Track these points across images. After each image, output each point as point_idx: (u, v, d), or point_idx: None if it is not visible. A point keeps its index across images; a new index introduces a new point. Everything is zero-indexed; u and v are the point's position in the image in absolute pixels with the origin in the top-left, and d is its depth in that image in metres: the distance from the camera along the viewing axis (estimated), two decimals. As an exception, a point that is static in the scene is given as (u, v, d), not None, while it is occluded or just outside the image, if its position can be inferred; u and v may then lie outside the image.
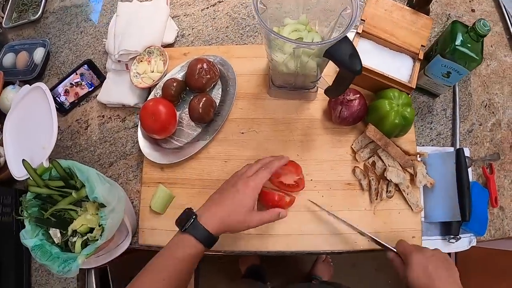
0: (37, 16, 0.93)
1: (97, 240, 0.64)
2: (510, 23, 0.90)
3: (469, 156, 0.80)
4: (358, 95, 0.71)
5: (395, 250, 0.61)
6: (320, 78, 0.69)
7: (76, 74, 0.85)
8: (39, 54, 0.89)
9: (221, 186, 0.61)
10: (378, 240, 0.64)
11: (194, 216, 0.55)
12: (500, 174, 0.80)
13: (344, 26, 0.55)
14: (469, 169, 0.79)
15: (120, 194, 0.67)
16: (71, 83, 0.84)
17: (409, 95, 0.73)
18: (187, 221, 0.55)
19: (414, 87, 0.72)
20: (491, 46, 0.89)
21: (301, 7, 0.65)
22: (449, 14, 0.91)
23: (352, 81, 0.59)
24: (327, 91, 0.67)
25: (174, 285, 0.53)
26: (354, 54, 0.54)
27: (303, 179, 0.71)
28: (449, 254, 1.22)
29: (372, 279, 1.59)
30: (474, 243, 0.76)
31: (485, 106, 0.84)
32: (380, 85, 0.73)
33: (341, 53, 0.54)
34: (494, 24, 0.92)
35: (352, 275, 1.58)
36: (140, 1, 0.89)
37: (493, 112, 0.84)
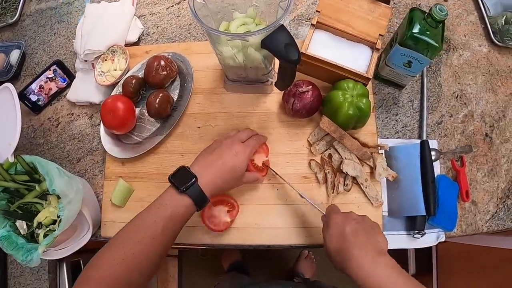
0: (14, 19, 0.97)
1: (55, 230, 0.66)
2: (485, 12, 0.87)
3: (437, 148, 0.77)
4: (311, 87, 0.70)
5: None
6: (271, 71, 0.69)
7: (50, 70, 0.88)
8: (14, 55, 0.92)
9: (214, 146, 0.61)
10: (312, 203, 0.63)
11: (194, 179, 0.54)
12: (472, 167, 0.77)
13: (278, 16, 0.55)
14: (437, 162, 0.77)
15: (78, 186, 0.69)
16: (47, 77, 0.87)
17: (367, 86, 0.72)
18: (186, 182, 0.54)
19: (371, 77, 0.71)
20: (465, 35, 0.86)
21: (248, 1, 0.65)
22: (419, 4, 0.89)
23: (295, 71, 0.59)
24: (276, 84, 0.66)
25: (161, 243, 0.52)
26: (290, 43, 0.54)
27: (268, 162, 0.72)
28: (431, 251, 1.19)
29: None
30: (442, 239, 0.74)
31: (457, 97, 0.81)
32: (336, 76, 0.72)
33: (277, 43, 0.54)
34: (468, 14, 0.89)
35: (335, 272, 1.54)
36: (109, 2, 0.91)
37: (465, 103, 0.81)
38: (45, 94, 0.88)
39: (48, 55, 0.94)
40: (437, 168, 0.76)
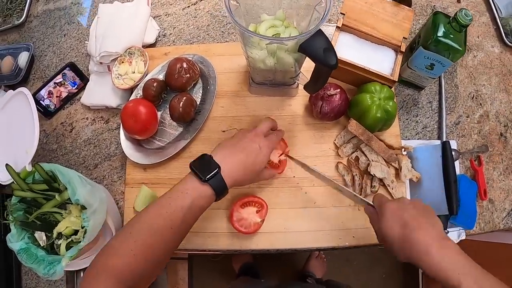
0: (21, 20, 0.93)
1: (80, 242, 0.64)
2: (497, 13, 0.89)
3: (456, 148, 0.79)
4: (339, 90, 0.70)
5: (372, 204, 0.56)
6: (299, 73, 0.68)
7: (59, 74, 0.85)
8: (23, 58, 0.89)
9: (239, 137, 0.59)
10: (356, 194, 0.62)
11: (218, 169, 0.52)
12: (489, 166, 0.79)
13: (318, 20, 0.54)
14: (457, 162, 0.78)
15: (102, 195, 0.67)
16: (54, 83, 0.84)
17: (392, 88, 0.72)
18: (209, 171, 0.52)
19: (396, 80, 0.71)
20: (478, 37, 0.88)
21: (277, 3, 0.64)
22: (434, 5, 0.90)
23: (330, 76, 0.59)
24: (306, 87, 0.66)
25: (178, 234, 0.51)
26: (329, 48, 0.54)
27: (285, 162, 0.71)
28: None
29: (366, 273, 1.58)
30: (463, 237, 0.75)
31: (472, 98, 0.83)
32: (362, 79, 0.72)
33: (315, 47, 0.53)
34: (480, 15, 0.90)
35: (346, 270, 1.57)
36: (122, 2, 0.89)
37: (480, 104, 0.83)
38: (56, 98, 0.85)
39: (59, 57, 0.90)
40: (457, 168, 0.77)
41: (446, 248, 0.45)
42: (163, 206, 0.51)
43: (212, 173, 0.52)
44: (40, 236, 0.69)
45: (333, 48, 0.54)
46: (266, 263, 1.57)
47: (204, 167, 0.53)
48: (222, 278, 1.57)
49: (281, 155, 0.71)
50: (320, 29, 0.53)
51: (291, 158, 0.72)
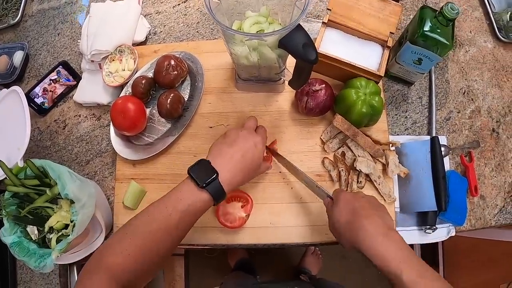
0: (16, 19, 0.95)
1: (69, 235, 0.65)
2: (490, 7, 0.88)
3: (446, 144, 0.78)
4: (324, 85, 0.70)
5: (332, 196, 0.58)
6: (284, 69, 0.69)
7: (53, 72, 0.86)
8: (18, 57, 0.91)
9: (232, 137, 0.58)
10: (317, 184, 0.63)
11: (215, 175, 0.52)
12: (480, 162, 0.78)
13: (296, 16, 0.55)
14: (447, 158, 0.77)
15: (91, 190, 0.69)
16: (50, 79, 0.86)
17: (378, 84, 0.72)
18: (207, 177, 0.52)
19: (383, 75, 0.71)
20: (470, 32, 0.87)
21: (260, 0, 0.65)
22: (426, 0, 0.89)
23: (315, 71, 0.59)
24: (290, 83, 0.66)
25: (174, 237, 0.51)
26: (308, 43, 0.54)
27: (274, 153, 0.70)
28: (437, 244, 1.21)
29: (361, 271, 1.58)
30: (452, 233, 0.75)
31: (464, 93, 0.82)
32: (348, 74, 0.72)
33: (295, 42, 0.53)
34: (473, 10, 0.89)
35: (341, 267, 1.57)
36: (114, 1, 0.90)
37: (472, 99, 0.82)
38: (50, 96, 0.87)
39: (52, 56, 0.92)
40: (447, 164, 0.77)
41: (391, 238, 0.48)
42: (159, 210, 0.51)
43: (210, 179, 0.52)
44: (32, 230, 0.71)
45: (313, 43, 0.54)
46: (262, 259, 1.58)
47: (201, 173, 0.52)
48: (218, 274, 1.58)
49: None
50: (299, 24, 0.54)
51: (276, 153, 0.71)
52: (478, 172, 0.77)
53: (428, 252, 1.29)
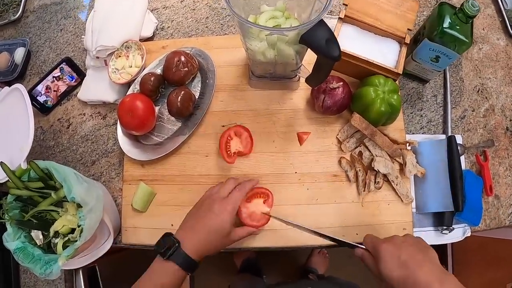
0: (17, 15, 0.92)
1: (77, 241, 0.62)
2: (502, 5, 0.87)
3: (461, 143, 0.77)
4: (342, 83, 0.68)
5: (363, 247, 0.56)
6: (300, 66, 0.66)
7: (57, 69, 0.83)
8: (19, 54, 0.87)
9: (196, 208, 0.61)
10: (343, 240, 0.60)
11: (177, 244, 0.54)
12: (494, 161, 0.77)
13: (319, 11, 0.52)
14: (462, 157, 0.76)
15: (98, 193, 0.66)
16: (53, 77, 0.83)
17: (396, 81, 0.70)
18: (169, 248, 0.54)
19: (401, 72, 0.69)
20: (483, 29, 0.86)
21: (277, -7, 0.62)
22: (439, -3, 0.88)
23: (332, 68, 0.57)
24: (308, 80, 0.64)
25: None
26: (331, 39, 0.52)
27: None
28: (445, 244, 1.20)
29: (368, 270, 1.57)
30: (468, 234, 0.73)
31: (478, 91, 0.81)
32: (365, 71, 0.70)
33: (317, 38, 0.51)
34: (485, 7, 0.88)
35: (348, 267, 1.56)
36: (119, -5, 0.87)
37: (486, 97, 0.81)
38: (54, 93, 0.83)
39: (55, 53, 0.89)
40: (462, 163, 0.76)
41: (446, 283, 0.46)
42: None
43: (172, 249, 0.53)
44: (37, 235, 0.67)
45: (336, 39, 0.52)
46: (268, 259, 1.56)
47: (164, 245, 0.54)
48: (223, 273, 1.56)
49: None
50: (322, 19, 0.52)
51: (271, 216, 0.66)
52: (493, 172, 0.76)
53: (437, 249, 1.29)
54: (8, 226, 0.66)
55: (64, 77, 0.83)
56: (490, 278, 1.07)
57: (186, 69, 0.71)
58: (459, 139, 0.77)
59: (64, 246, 0.65)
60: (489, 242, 1.01)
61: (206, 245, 0.56)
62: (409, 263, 0.48)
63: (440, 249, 1.27)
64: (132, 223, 0.73)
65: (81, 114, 0.83)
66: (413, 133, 0.77)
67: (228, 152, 0.70)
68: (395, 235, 0.54)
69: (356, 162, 0.70)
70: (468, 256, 1.12)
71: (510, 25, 0.85)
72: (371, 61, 0.68)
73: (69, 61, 0.83)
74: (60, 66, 0.82)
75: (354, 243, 0.57)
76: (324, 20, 0.51)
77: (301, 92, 0.75)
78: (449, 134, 0.76)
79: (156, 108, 0.75)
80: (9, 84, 0.82)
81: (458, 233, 0.73)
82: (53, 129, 0.83)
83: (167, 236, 0.56)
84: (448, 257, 1.18)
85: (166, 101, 0.73)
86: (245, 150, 0.70)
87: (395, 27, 0.71)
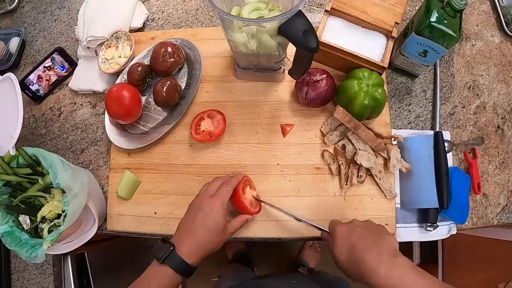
0: (13, 5, 0.93)
1: (61, 226, 0.64)
2: (498, 1, 0.85)
3: (450, 140, 0.76)
4: (325, 75, 0.68)
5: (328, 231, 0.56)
6: (284, 58, 0.66)
7: (48, 59, 0.84)
8: (14, 43, 0.89)
9: (188, 211, 0.60)
10: (312, 223, 0.60)
11: (171, 247, 0.53)
12: (484, 159, 0.76)
13: (296, 1, 0.52)
14: (450, 154, 0.75)
15: (83, 179, 0.67)
16: (44, 67, 0.84)
17: (382, 75, 0.70)
18: (164, 252, 0.53)
19: (386, 66, 0.69)
20: (477, 25, 0.85)
21: (261, -16, 0.62)
22: (432, -9, 0.86)
23: (315, 60, 0.57)
24: (290, 72, 0.64)
25: None
26: (309, 31, 0.52)
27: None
28: (436, 241, 1.19)
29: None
30: (454, 232, 0.73)
31: (469, 88, 0.80)
32: (350, 64, 0.70)
33: (294, 29, 0.51)
34: (481, 3, 0.87)
35: None
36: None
37: (477, 94, 0.79)
38: (45, 83, 0.85)
39: (49, 42, 0.90)
40: (450, 160, 0.75)
41: (395, 266, 0.45)
42: None
43: (166, 253, 0.53)
44: (24, 219, 0.69)
45: (314, 30, 0.52)
46: (259, 252, 1.56)
47: (159, 249, 0.54)
48: (214, 264, 1.55)
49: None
50: (300, 10, 0.51)
51: (261, 201, 0.68)
52: (482, 170, 0.75)
53: (427, 249, 1.28)
54: (-4, 210, 0.68)
55: (55, 67, 0.84)
56: (482, 278, 1.06)
57: (172, 59, 0.72)
58: (447, 136, 0.76)
59: (50, 231, 0.67)
60: (479, 242, 1.00)
61: (202, 245, 0.56)
62: (357, 245, 0.48)
63: (430, 247, 1.26)
64: (117, 211, 0.74)
65: (72, 103, 0.84)
66: (400, 128, 0.77)
67: (198, 130, 0.71)
68: (355, 219, 0.54)
69: (339, 155, 0.69)
70: (459, 256, 1.11)
71: (505, 22, 0.84)
72: (356, 54, 0.68)
73: (61, 51, 0.84)
74: (51, 56, 0.83)
75: (321, 227, 0.58)
76: (308, 12, 0.51)
77: (286, 84, 0.75)
78: (437, 130, 0.75)
79: (143, 98, 0.76)
80: (3, 73, 0.84)
81: (443, 230, 0.73)
82: (44, 117, 0.85)
83: (162, 240, 0.56)
84: (439, 257, 1.17)
85: (152, 91, 0.74)
86: (216, 131, 0.70)
87: (382, 20, 0.70)
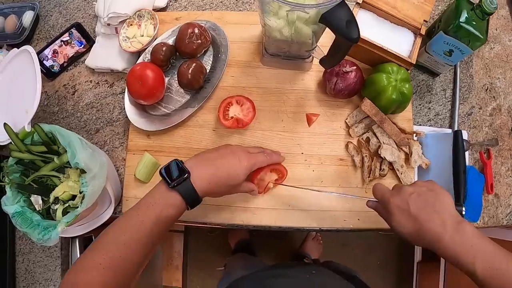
0: (28, -23, 0.90)
1: (78, 207, 0.61)
2: (517, 6, 0.87)
3: (467, 139, 0.77)
4: (355, 67, 0.68)
5: (374, 199, 0.56)
6: (315, 47, 0.66)
7: (66, 33, 0.82)
8: (28, 17, 0.85)
9: (218, 148, 0.57)
10: (350, 195, 0.61)
11: (187, 174, 0.50)
12: (497, 160, 0.77)
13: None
14: (466, 153, 0.76)
15: (102, 160, 0.65)
16: (61, 41, 0.81)
17: (408, 71, 0.70)
18: (177, 176, 0.50)
19: (414, 62, 0.69)
20: (496, 29, 0.86)
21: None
22: (456, -8, 0.87)
23: (349, 51, 0.56)
24: (322, 61, 0.64)
25: (147, 245, 0.49)
26: (352, 21, 0.51)
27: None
28: None
29: (361, 259, 1.58)
30: (466, 229, 0.74)
31: (486, 90, 0.81)
32: (378, 58, 0.70)
33: (338, 18, 0.51)
34: (500, 7, 0.88)
35: (341, 255, 1.57)
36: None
37: (493, 97, 0.81)
38: (60, 59, 0.82)
39: (65, 18, 0.87)
40: (466, 159, 0.76)
41: (459, 232, 0.45)
42: (130, 218, 0.49)
43: (180, 178, 0.50)
44: (36, 200, 0.65)
45: (356, 21, 0.52)
46: (262, 242, 1.56)
47: (172, 172, 0.50)
48: (217, 253, 1.56)
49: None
50: (343, 0, 0.51)
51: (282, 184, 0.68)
52: (495, 170, 0.77)
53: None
54: (7, 189, 0.64)
55: (72, 42, 0.81)
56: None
57: (199, 41, 0.71)
58: (464, 135, 0.77)
59: (64, 213, 0.64)
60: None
61: (215, 185, 0.53)
62: (419, 217, 0.47)
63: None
64: (133, 194, 0.72)
65: (87, 81, 0.82)
66: (420, 125, 0.78)
67: (226, 116, 0.69)
68: (403, 186, 0.52)
69: (363, 147, 0.70)
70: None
71: (522, 28, 0.85)
72: (385, 49, 0.68)
73: (78, 27, 0.82)
74: (69, 31, 0.81)
75: (363, 197, 0.58)
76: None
77: (313, 73, 0.74)
78: (456, 129, 0.76)
79: (166, 79, 0.74)
80: (15, 47, 0.80)
81: (456, 227, 0.74)
82: (57, 94, 0.82)
83: (175, 163, 0.52)
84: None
85: (176, 72, 0.72)
86: (245, 119, 0.69)
87: (411, 17, 0.71)
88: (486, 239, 0.45)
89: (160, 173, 0.52)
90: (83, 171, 0.61)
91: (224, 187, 0.55)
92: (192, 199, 0.51)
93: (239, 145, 0.59)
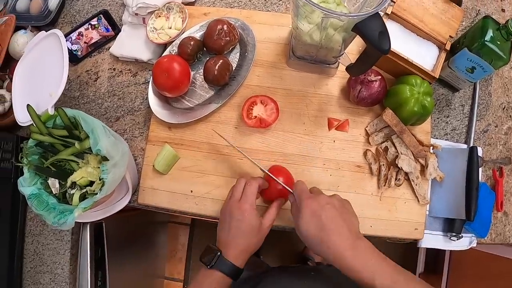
0: (57, -40, 0.90)
1: (96, 194, 0.61)
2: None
3: (481, 156, 0.78)
4: (380, 77, 0.69)
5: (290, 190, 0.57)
6: (343, 54, 0.67)
7: (95, 18, 0.82)
8: (54, 0, 0.86)
9: (221, 219, 0.61)
10: (273, 176, 0.61)
11: (219, 252, 0.56)
12: (509, 179, 0.78)
13: (377, 2, 0.53)
14: (480, 169, 0.77)
15: (124, 149, 0.65)
16: (90, 24, 0.82)
17: (430, 84, 0.71)
18: (211, 257, 0.55)
19: (437, 76, 0.70)
20: (517, 49, 0.87)
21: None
22: (479, 10, 0.88)
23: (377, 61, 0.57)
24: (349, 68, 0.65)
25: None
26: (384, 32, 0.53)
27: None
28: (444, 251, 1.23)
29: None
30: (474, 244, 0.75)
31: (503, 109, 0.82)
32: (402, 70, 0.71)
33: (371, 29, 0.52)
34: (524, 29, 0.89)
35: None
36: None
37: (510, 116, 0.82)
38: (84, 43, 0.82)
39: (91, 4, 0.87)
40: (479, 175, 0.77)
41: (360, 249, 0.48)
42: None
43: (214, 258, 0.55)
44: (53, 183, 0.65)
45: (388, 33, 0.53)
46: (266, 242, 1.55)
47: (207, 256, 0.56)
48: None
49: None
50: (378, 12, 0.52)
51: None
52: (506, 189, 0.78)
53: (431, 258, 1.31)
54: (25, 170, 0.64)
55: (99, 28, 0.82)
56: (486, 294, 1.09)
57: (227, 38, 0.71)
58: (479, 152, 0.78)
59: (81, 198, 0.64)
60: (487, 258, 1.03)
61: (245, 249, 0.58)
62: (326, 226, 0.49)
63: (433, 258, 1.30)
64: (151, 184, 0.72)
65: (111, 69, 0.82)
66: (437, 138, 0.79)
67: (249, 115, 0.71)
68: (322, 194, 0.55)
69: (380, 156, 0.71)
70: (463, 268, 1.15)
71: (542, 50, 0.86)
72: (411, 61, 0.69)
73: (106, 14, 0.82)
74: (98, 16, 0.81)
75: (285, 186, 0.59)
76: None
77: (337, 79, 0.75)
78: (471, 144, 0.77)
79: (191, 73, 0.75)
80: (40, 29, 0.81)
81: (465, 242, 0.75)
82: (80, 80, 0.82)
83: (208, 247, 0.58)
84: (444, 268, 1.20)
85: (201, 67, 0.73)
86: (268, 119, 0.70)
87: (437, 31, 0.72)
88: (383, 255, 0.49)
89: (200, 259, 0.57)
90: (104, 158, 0.61)
91: (253, 243, 0.59)
92: (232, 270, 0.55)
93: (228, 203, 0.61)
